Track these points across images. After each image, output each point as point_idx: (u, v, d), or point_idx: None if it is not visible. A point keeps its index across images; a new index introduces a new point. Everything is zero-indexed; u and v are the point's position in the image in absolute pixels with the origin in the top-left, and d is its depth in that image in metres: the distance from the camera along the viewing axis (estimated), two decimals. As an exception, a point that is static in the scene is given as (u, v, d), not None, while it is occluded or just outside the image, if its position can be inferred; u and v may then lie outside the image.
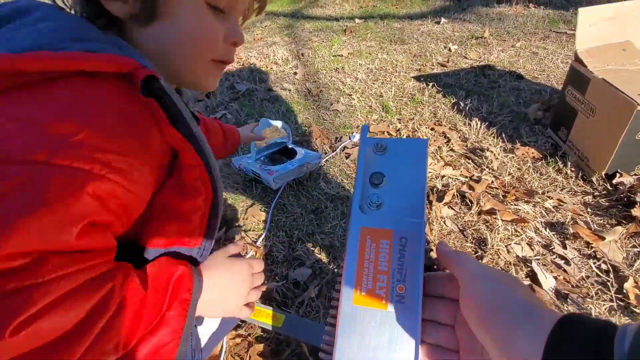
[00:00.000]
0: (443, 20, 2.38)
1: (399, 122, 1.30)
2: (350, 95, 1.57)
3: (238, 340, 0.66)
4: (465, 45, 1.93)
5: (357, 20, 2.79)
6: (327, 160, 1.16)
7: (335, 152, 1.18)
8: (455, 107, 1.34)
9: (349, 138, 1.24)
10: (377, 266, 0.30)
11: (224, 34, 0.37)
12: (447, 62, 1.73)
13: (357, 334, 0.28)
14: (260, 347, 0.64)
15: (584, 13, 0.93)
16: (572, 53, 1.55)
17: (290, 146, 1.14)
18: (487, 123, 1.21)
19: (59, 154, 0.25)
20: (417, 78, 1.64)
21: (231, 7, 0.36)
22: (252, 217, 0.98)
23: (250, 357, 0.63)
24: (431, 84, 1.54)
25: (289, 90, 1.71)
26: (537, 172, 0.97)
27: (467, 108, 1.31)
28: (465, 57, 1.78)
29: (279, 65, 2.09)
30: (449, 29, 2.23)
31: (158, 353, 0.31)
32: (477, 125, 1.19)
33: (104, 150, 0.27)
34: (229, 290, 0.40)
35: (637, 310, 0.63)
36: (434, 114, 1.32)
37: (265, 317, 0.60)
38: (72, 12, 0.34)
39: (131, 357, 0.30)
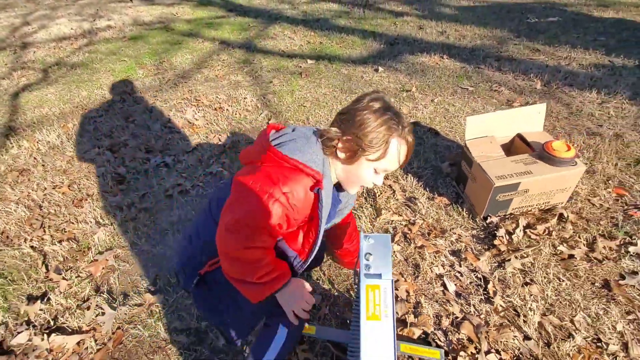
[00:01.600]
0: (380, 69, 2.96)
1: (359, 176, 1.82)
2: (319, 148, 2.05)
3: (286, 345, 1.12)
4: (398, 99, 2.52)
5: (309, 61, 3.26)
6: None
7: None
8: (396, 161, 1.90)
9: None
10: (375, 302, 0.80)
11: (373, 181, 0.85)
12: (387, 117, 2.30)
13: (368, 335, 0.78)
14: (302, 346, 1.11)
15: (470, 119, 1.52)
16: (470, 110, 2.22)
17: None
18: (417, 177, 1.78)
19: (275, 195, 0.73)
20: (367, 132, 2.18)
21: (383, 172, 0.84)
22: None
23: (296, 351, 1.10)
24: (377, 139, 2.09)
25: (269, 143, 2.13)
26: (447, 215, 1.57)
27: (404, 163, 1.88)
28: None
29: (251, 113, 2.48)
30: (385, 79, 2.82)
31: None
32: (411, 179, 1.76)
33: (291, 201, 0.74)
34: (290, 295, 0.86)
35: (494, 299, 1.23)
36: (382, 168, 1.87)
37: (311, 330, 1.07)
38: (317, 131, 0.84)
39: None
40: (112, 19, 5.25)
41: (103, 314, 1.27)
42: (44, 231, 1.66)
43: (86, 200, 1.82)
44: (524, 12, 4.18)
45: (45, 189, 1.91)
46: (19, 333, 1.25)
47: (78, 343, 1.20)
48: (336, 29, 4.09)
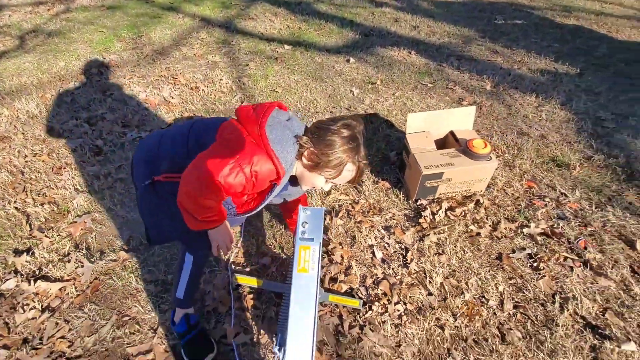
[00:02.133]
0: (352, 60, 3.16)
1: (317, 159, 2.06)
2: (285, 132, 2.26)
3: (238, 292, 1.38)
4: (363, 90, 2.74)
5: (286, 47, 3.40)
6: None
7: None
8: (351, 148, 2.15)
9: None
10: (305, 259, 1.06)
11: (322, 187, 1.07)
12: (349, 107, 2.53)
13: (298, 285, 1.04)
14: (249, 295, 1.37)
15: (411, 116, 1.78)
16: (425, 105, 2.48)
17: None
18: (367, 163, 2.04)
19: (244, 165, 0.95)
20: (330, 119, 2.41)
21: (332, 184, 1.07)
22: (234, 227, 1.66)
23: (245, 297, 1.36)
24: (338, 127, 2.32)
25: (239, 125, 2.32)
26: (387, 197, 1.84)
27: (357, 150, 2.13)
28: (363, 103, 2.60)
29: (226, 95, 2.65)
30: (354, 70, 3.02)
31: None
32: (361, 164, 2.02)
33: (254, 179, 0.98)
34: (217, 233, 1.09)
35: (410, 265, 1.52)
36: (338, 153, 2.11)
37: (252, 282, 1.33)
38: (296, 137, 1.01)
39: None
40: (90, -15, 5.11)
41: (82, 266, 1.48)
42: (26, 195, 1.82)
43: (65, 168, 1.98)
44: (494, 12, 4.42)
45: (26, 156, 2.05)
46: (7, 280, 1.45)
47: (60, 289, 1.42)
48: (317, 14, 4.21)
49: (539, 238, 1.62)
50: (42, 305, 1.37)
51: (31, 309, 1.36)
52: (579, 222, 1.71)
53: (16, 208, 1.75)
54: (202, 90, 2.70)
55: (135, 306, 1.36)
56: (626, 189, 1.88)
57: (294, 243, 1.12)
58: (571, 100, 2.63)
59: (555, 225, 1.68)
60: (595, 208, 1.78)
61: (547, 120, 2.42)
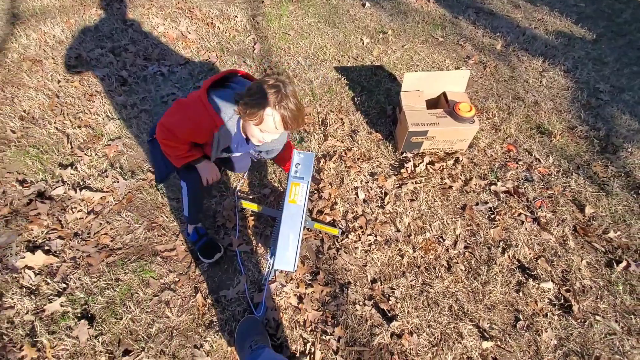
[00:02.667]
0: (368, 4, 3.13)
1: (320, 107, 2.26)
2: (293, 78, 2.42)
3: (242, 213, 1.71)
4: (374, 40, 2.80)
5: (303, -16, 3.34)
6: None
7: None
8: (353, 99, 2.33)
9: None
10: (295, 193, 1.35)
11: (260, 138, 1.22)
12: (357, 57, 2.63)
13: (287, 212, 1.35)
14: (251, 217, 1.70)
15: (407, 75, 1.92)
16: (431, 61, 2.58)
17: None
18: (365, 114, 2.23)
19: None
20: (337, 69, 2.54)
21: (267, 133, 1.20)
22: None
23: (248, 218, 1.69)
24: (344, 77, 2.46)
25: (251, 67, 2.48)
26: (377, 147, 2.07)
27: (358, 101, 2.30)
28: (371, 53, 2.68)
29: (240, 34, 2.75)
30: (368, 16, 3.03)
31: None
32: (359, 115, 2.22)
33: (194, 121, 1.21)
34: (203, 168, 1.40)
35: (386, 206, 1.81)
36: (340, 103, 2.29)
37: (253, 207, 1.65)
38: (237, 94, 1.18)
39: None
40: None
41: (117, 182, 1.81)
42: (64, 117, 2.10)
43: (95, 96, 2.22)
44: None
45: (59, 81, 2.28)
46: (56, 187, 1.79)
47: (101, 198, 1.76)
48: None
49: (502, 195, 1.88)
50: (87, 209, 1.73)
51: (78, 211, 1.72)
52: (543, 185, 1.94)
53: (56, 128, 2.04)
54: (217, 27, 2.78)
55: (162, 216, 1.71)
56: (596, 160, 2.08)
57: (287, 179, 1.40)
58: (576, 68, 2.67)
59: (520, 186, 1.92)
60: (562, 174, 2.00)
61: (545, 87, 2.51)
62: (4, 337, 1.35)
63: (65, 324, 1.39)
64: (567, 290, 1.57)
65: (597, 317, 1.50)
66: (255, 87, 1.11)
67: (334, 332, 1.43)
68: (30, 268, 1.51)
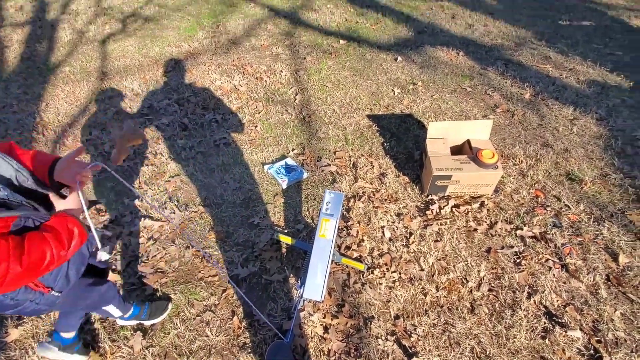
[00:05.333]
0: (400, 58, 3.42)
1: (352, 151, 2.47)
2: (328, 125, 2.69)
3: (277, 245, 1.90)
4: (404, 90, 3.04)
5: (341, 42, 3.75)
6: (312, 172, 2.34)
7: (317, 169, 2.36)
8: (383, 144, 2.52)
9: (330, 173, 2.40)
10: (325, 228, 1.53)
11: None
12: (388, 106, 2.86)
13: (318, 245, 1.52)
14: (284, 249, 1.89)
15: (432, 124, 2.10)
16: (459, 110, 2.74)
17: (290, 163, 2.31)
18: (394, 159, 2.41)
19: None
20: (369, 116, 2.78)
21: None
22: (279, 198, 2.17)
23: (282, 249, 1.87)
24: (375, 124, 2.69)
25: (292, 115, 2.80)
26: (404, 189, 2.21)
27: (387, 146, 2.50)
28: (401, 103, 2.91)
29: (284, 86, 3.12)
30: (400, 69, 3.30)
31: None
32: (388, 160, 2.39)
33: None
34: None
35: (410, 245, 1.91)
36: (371, 148, 2.50)
37: (288, 240, 1.84)
38: None
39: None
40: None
41: (174, 213, 2.10)
42: (135, 157, 2.49)
43: (161, 139, 2.62)
44: (562, 10, 4.28)
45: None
46: (125, 216, 2.12)
47: (160, 226, 2.05)
48: (375, 6, 4.44)
49: (528, 240, 1.91)
50: (148, 236, 2.02)
51: (141, 237, 2.01)
52: (572, 231, 1.95)
53: (129, 166, 2.43)
54: (265, 80, 3.19)
55: (208, 245, 1.95)
56: (631, 208, 2.04)
57: (319, 215, 1.58)
58: (610, 115, 2.69)
59: (548, 232, 1.94)
60: (593, 222, 1.99)
61: (576, 135, 2.55)
62: (74, 341, 1.60)
63: (124, 334, 1.62)
64: (598, 341, 1.53)
65: (633, 373, 1.44)
66: None
67: (356, 363, 1.51)
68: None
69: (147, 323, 1.64)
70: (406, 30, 3.93)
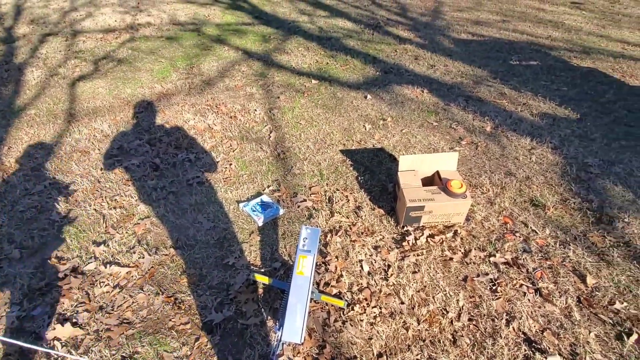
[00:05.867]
0: (369, 96, 3.60)
1: (327, 186, 2.50)
2: (303, 161, 2.73)
3: (254, 286, 1.83)
4: (375, 126, 3.17)
5: (313, 81, 3.91)
6: (288, 209, 2.33)
7: (293, 205, 2.35)
8: (357, 178, 2.58)
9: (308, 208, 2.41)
10: (303, 265, 1.50)
11: None
12: (360, 141, 2.96)
13: (295, 283, 1.49)
14: (261, 289, 1.82)
15: (402, 158, 2.18)
16: (427, 143, 2.86)
17: (265, 200, 2.29)
18: (368, 192, 2.45)
19: None
20: (343, 151, 2.85)
21: None
22: (255, 236, 2.13)
23: (258, 290, 1.80)
24: (348, 158, 2.76)
25: (267, 152, 2.82)
26: (380, 222, 2.24)
27: (362, 180, 2.55)
28: (373, 137, 3.02)
29: (258, 124, 3.17)
30: (370, 106, 3.46)
31: None
32: (363, 193, 2.44)
33: None
34: None
35: (389, 278, 1.90)
36: (345, 182, 2.54)
37: (264, 279, 1.78)
38: None
39: None
40: (151, 15, 5.96)
41: (143, 257, 2.00)
42: (102, 199, 2.39)
43: (130, 180, 2.55)
44: (511, 52, 4.72)
45: (102, 168, 2.65)
46: (89, 263, 1.99)
47: (127, 272, 1.93)
48: (344, 49, 4.72)
49: (501, 266, 1.95)
50: (114, 283, 1.89)
51: (106, 285, 1.89)
52: (541, 255, 2.02)
53: (95, 209, 2.32)
54: (239, 119, 3.24)
55: (180, 290, 1.85)
56: (592, 230, 2.16)
57: (296, 252, 1.56)
58: (563, 145, 2.91)
59: (519, 257, 2.00)
60: (559, 245, 2.07)
61: (535, 163, 2.72)
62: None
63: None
64: (578, 366, 1.54)
65: (613, 396, 1.45)
66: None
67: (340, 409, 1.42)
68: (58, 339, 1.63)
69: None
70: (374, 70, 4.17)
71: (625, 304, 1.77)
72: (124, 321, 1.74)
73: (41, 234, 2.16)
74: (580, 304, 1.79)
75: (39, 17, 5.75)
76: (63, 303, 1.80)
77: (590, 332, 1.66)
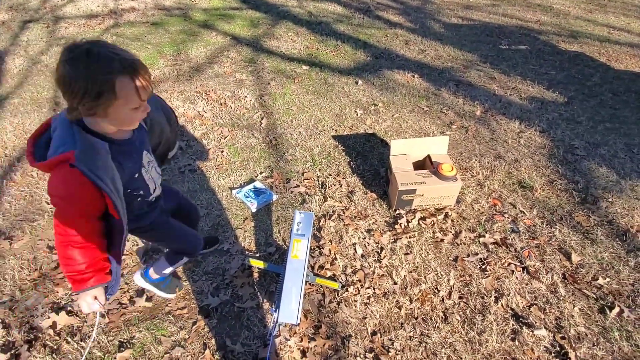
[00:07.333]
0: (360, 82, 3.59)
1: (319, 171, 2.51)
2: (295, 147, 2.73)
3: (249, 271, 1.85)
4: (366, 111, 3.17)
5: (303, 67, 3.87)
6: (281, 194, 2.34)
7: (286, 190, 2.36)
8: (349, 163, 2.59)
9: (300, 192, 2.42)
10: (297, 248, 1.53)
11: (140, 116, 0.94)
12: (352, 127, 2.97)
13: (290, 267, 1.51)
14: (256, 274, 1.84)
15: (394, 142, 2.20)
16: (419, 128, 2.88)
17: (258, 186, 2.30)
18: (361, 176, 2.47)
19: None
20: (335, 137, 2.86)
21: (139, 104, 0.89)
22: (249, 222, 2.14)
23: (254, 274, 1.83)
24: (340, 144, 2.77)
25: (258, 139, 2.81)
26: (372, 206, 2.27)
27: (354, 165, 2.57)
28: (364, 123, 3.03)
29: (249, 111, 3.15)
30: (361, 92, 3.45)
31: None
32: (355, 178, 2.46)
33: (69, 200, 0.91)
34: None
35: (382, 260, 1.94)
36: (338, 167, 2.56)
37: (260, 264, 1.80)
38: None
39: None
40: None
41: (137, 245, 2.00)
42: (93, 188, 2.37)
43: (121, 169, 2.52)
44: (501, 36, 4.73)
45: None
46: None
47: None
48: (334, 34, 4.66)
49: (491, 246, 2.01)
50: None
51: (100, 273, 1.88)
52: (529, 235, 2.08)
53: (86, 198, 2.30)
54: (230, 106, 3.20)
55: (175, 276, 1.86)
56: (577, 210, 2.23)
57: (290, 237, 1.58)
58: (551, 128, 2.96)
59: (508, 237, 2.06)
60: (546, 225, 2.14)
61: (524, 146, 2.77)
62: (23, 396, 1.43)
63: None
64: (562, 338, 1.61)
65: (595, 365, 1.53)
66: (73, 73, 0.82)
67: (336, 385, 1.47)
68: (53, 328, 1.64)
69: (160, 294, 1.73)
70: (364, 56, 4.14)
71: (607, 279, 1.85)
72: (121, 306, 1.75)
73: (31, 224, 2.13)
74: (566, 280, 1.85)
75: (18, 4, 5.52)
76: (57, 292, 1.79)
77: (574, 306, 1.73)
